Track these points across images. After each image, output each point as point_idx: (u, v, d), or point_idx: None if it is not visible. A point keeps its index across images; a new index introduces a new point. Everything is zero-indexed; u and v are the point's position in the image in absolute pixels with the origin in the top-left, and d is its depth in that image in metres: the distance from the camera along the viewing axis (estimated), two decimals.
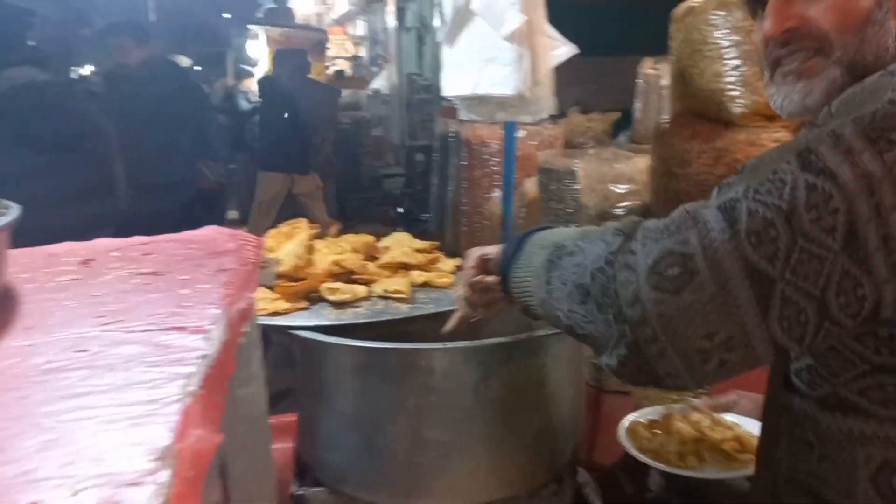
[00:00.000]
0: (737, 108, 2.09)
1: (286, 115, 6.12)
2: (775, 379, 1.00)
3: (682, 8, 2.25)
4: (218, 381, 0.53)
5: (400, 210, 6.87)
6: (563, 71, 2.74)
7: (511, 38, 2.22)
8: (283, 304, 1.49)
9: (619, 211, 2.73)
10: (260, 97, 7.18)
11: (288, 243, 1.68)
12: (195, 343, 0.59)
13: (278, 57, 6.96)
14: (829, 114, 0.85)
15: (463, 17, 2.38)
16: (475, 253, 1.23)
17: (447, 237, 5.34)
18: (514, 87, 2.24)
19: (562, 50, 2.32)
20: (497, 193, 4.24)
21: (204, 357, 0.55)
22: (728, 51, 2.09)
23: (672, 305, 0.79)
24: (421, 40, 11.81)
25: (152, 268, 0.88)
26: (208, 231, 1.08)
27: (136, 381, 0.51)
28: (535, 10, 2.28)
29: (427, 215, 6.29)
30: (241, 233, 1.07)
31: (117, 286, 0.81)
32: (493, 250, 1.19)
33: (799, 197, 0.77)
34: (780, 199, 0.77)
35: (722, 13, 2.10)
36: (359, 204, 9.55)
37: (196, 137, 3.79)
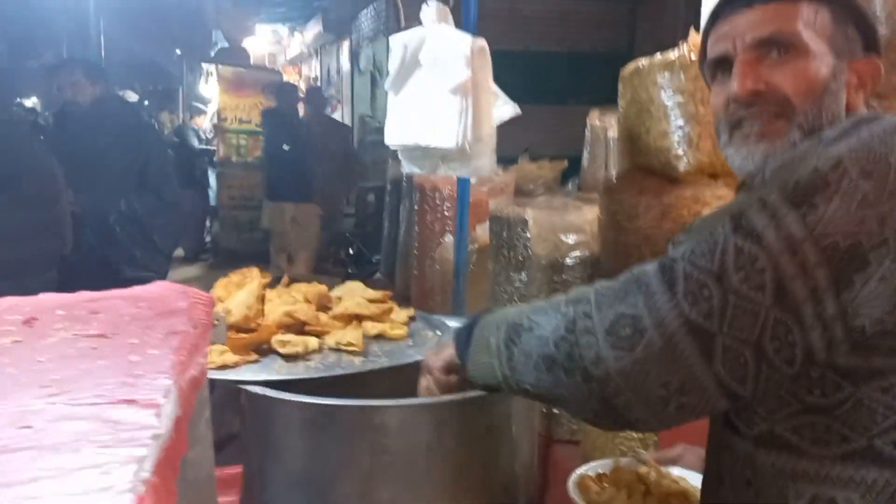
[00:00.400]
0: (682, 165, 2.16)
1: (291, 146, 6.31)
2: (717, 419, 1.07)
3: (629, 68, 2.33)
4: (171, 465, 0.52)
5: (350, 251, 6.83)
6: (514, 117, 2.80)
7: (455, 91, 2.27)
8: (231, 357, 1.46)
9: (569, 261, 2.77)
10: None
11: (238, 293, 1.65)
12: (147, 419, 0.58)
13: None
14: (763, 179, 0.92)
15: (409, 66, 2.41)
16: (433, 362, 1.30)
17: (398, 281, 5.33)
18: (454, 141, 2.28)
19: (505, 109, 2.38)
20: (449, 239, 4.27)
21: (156, 437, 0.53)
22: (673, 111, 2.16)
23: (629, 361, 0.89)
24: (374, 83, 11.91)
25: (99, 329, 0.86)
26: (158, 287, 1.06)
27: (87, 464, 0.49)
28: (481, 67, 2.33)
29: (378, 257, 6.27)
30: (192, 290, 1.05)
31: (63, 350, 0.79)
32: (446, 353, 1.25)
33: (728, 259, 0.87)
34: (712, 262, 0.87)
35: (667, 75, 2.18)
36: None
37: (146, 175, 3.70)
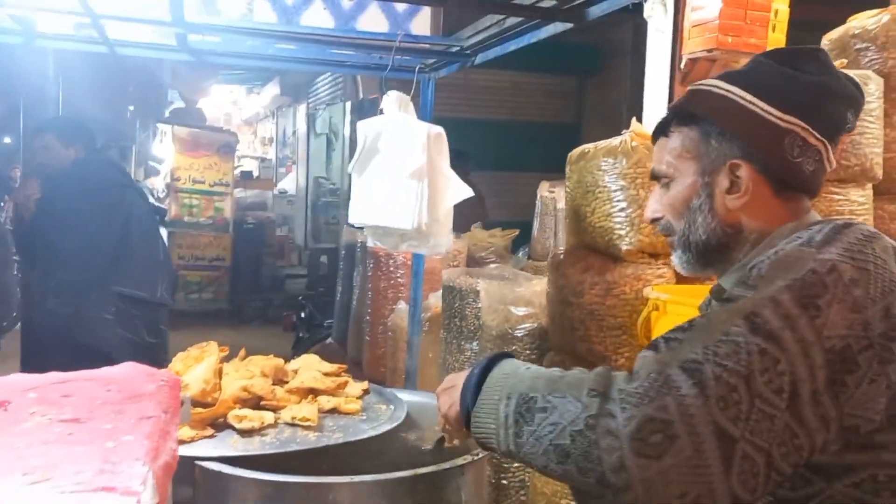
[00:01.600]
0: (624, 245, 2.28)
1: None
2: None
3: (576, 152, 2.47)
4: None
5: (303, 315, 6.80)
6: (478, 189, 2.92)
7: (412, 176, 2.39)
8: (188, 432, 1.49)
9: (519, 332, 2.85)
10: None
11: (196, 367, 1.68)
12: None
13: None
14: (760, 275, 0.97)
15: (371, 151, 2.54)
16: (448, 383, 1.26)
17: (350, 346, 5.34)
18: (410, 221, 2.40)
19: (459, 191, 2.51)
20: (402, 305, 4.33)
21: None
22: (616, 194, 2.30)
23: (654, 470, 0.85)
24: (330, 145, 12.05)
25: (73, 413, 0.90)
26: (126, 369, 1.10)
27: None
28: (438, 153, 2.47)
29: (330, 322, 6.27)
30: (160, 372, 1.10)
31: (40, 435, 0.82)
32: (460, 379, 1.20)
33: (754, 361, 0.86)
34: (738, 363, 0.86)
35: (611, 160, 2.32)
36: (259, 305, 9.42)
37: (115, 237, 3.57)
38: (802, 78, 1.10)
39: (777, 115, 1.08)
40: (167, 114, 10.92)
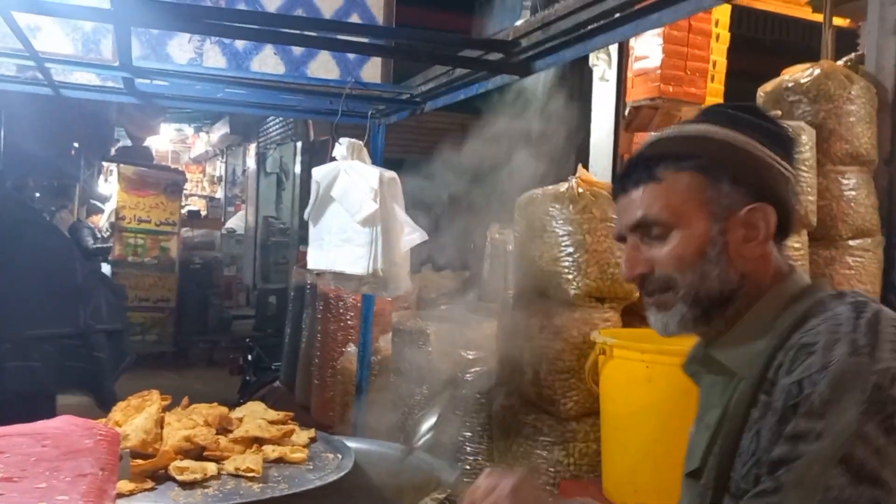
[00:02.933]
0: (572, 289, 2.32)
1: None
2: None
3: (525, 197, 2.51)
4: None
5: (249, 358, 6.68)
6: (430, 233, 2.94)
7: (365, 223, 2.41)
8: (127, 485, 1.44)
9: (468, 376, 2.85)
10: None
11: (136, 417, 1.64)
12: None
13: None
14: (824, 400, 0.87)
15: (325, 198, 2.55)
16: (494, 484, 1.14)
17: (298, 390, 5.25)
18: (365, 267, 2.41)
19: (413, 236, 2.53)
20: (352, 348, 4.29)
21: None
22: (563, 239, 2.34)
23: None
24: (280, 185, 11.99)
25: (5, 472, 0.87)
26: (62, 423, 1.07)
27: None
28: (392, 197, 2.49)
29: (278, 364, 6.16)
30: (98, 426, 1.07)
31: None
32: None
33: None
34: None
35: (558, 206, 2.36)
36: (205, 347, 9.22)
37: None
38: (774, 127, 1.08)
39: (779, 160, 1.05)
40: (113, 152, 10.73)
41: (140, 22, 2.06)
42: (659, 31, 4.11)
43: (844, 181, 2.43)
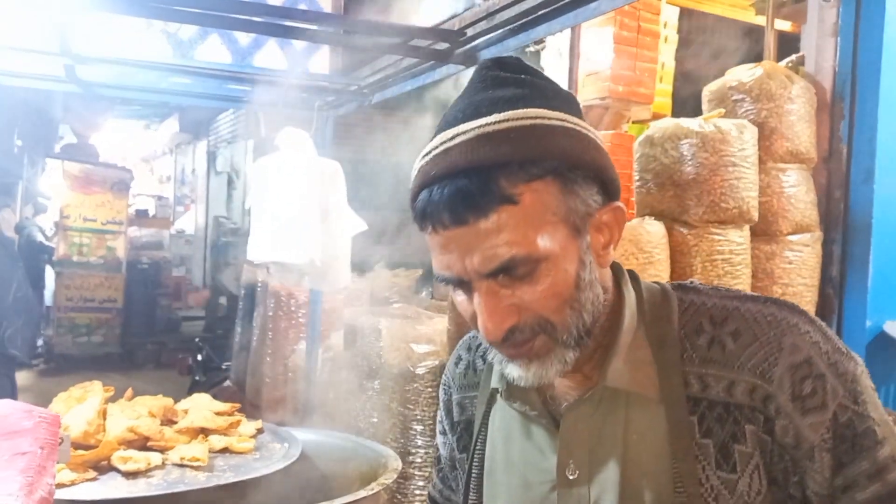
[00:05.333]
0: None
1: None
2: None
3: None
4: None
5: (199, 357, 6.57)
6: (372, 227, 2.93)
7: (306, 212, 2.40)
8: (68, 475, 1.41)
9: (420, 370, 2.86)
10: None
11: (78, 407, 1.60)
12: None
13: None
14: (856, 390, 0.81)
15: (266, 188, 2.53)
16: None
17: (248, 389, 5.19)
18: (306, 257, 2.40)
19: (354, 225, 2.52)
20: (303, 346, 4.26)
21: None
22: None
23: None
24: (231, 184, 11.83)
25: None
26: (2, 406, 1.05)
27: None
28: (334, 188, 2.48)
29: (228, 364, 6.08)
30: (37, 409, 1.05)
31: None
32: None
33: None
34: None
35: None
36: (153, 348, 9.04)
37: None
38: (565, 91, 0.87)
39: (597, 134, 0.85)
40: (58, 149, 10.46)
41: (82, 4, 2.01)
42: (609, 32, 4.18)
43: (785, 178, 2.50)
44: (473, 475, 0.97)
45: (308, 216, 2.37)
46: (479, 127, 0.78)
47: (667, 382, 0.84)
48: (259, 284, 5.21)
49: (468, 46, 2.08)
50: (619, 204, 0.85)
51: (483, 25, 1.94)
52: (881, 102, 2.19)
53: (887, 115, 2.20)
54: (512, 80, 0.83)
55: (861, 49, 2.29)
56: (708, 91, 2.69)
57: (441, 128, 0.82)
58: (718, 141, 2.28)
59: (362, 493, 1.44)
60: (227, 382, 5.88)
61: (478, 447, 0.97)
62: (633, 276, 0.91)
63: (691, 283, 0.91)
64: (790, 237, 2.51)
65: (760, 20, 3.86)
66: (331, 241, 2.43)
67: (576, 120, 0.82)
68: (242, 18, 2.01)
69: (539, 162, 0.77)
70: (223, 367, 6.22)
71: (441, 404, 1.06)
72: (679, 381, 0.83)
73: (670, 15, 4.37)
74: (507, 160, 0.76)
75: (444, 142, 0.79)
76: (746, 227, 2.38)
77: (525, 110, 0.79)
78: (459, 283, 0.81)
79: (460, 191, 0.76)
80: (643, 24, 4.18)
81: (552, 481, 0.88)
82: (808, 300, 2.38)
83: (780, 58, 3.08)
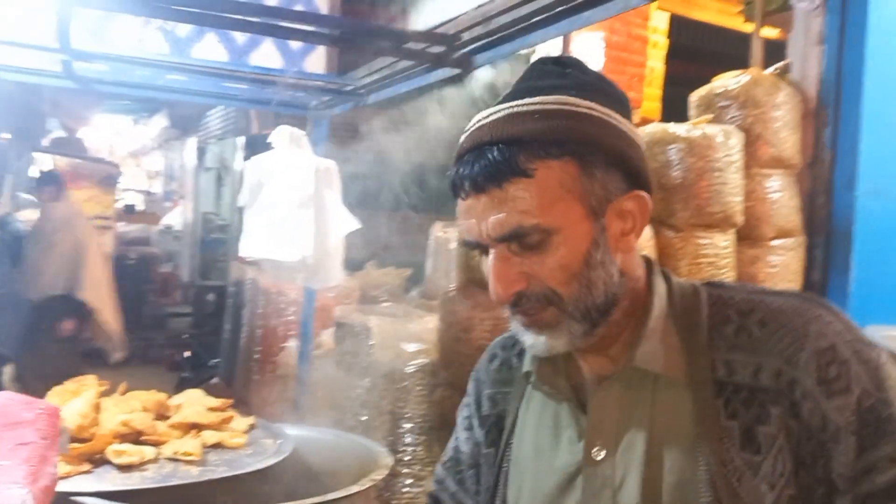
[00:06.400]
0: None
1: None
2: None
3: None
4: None
5: (187, 354, 6.57)
6: (364, 226, 2.96)
7: (299, 209, 2.43)
8: (63, 467, 1.43)
9: (410, 368, 2.89)
10: None
11: (73, 401, 1.62)
12: None
13: None
14: (885, 376, 0.83)
15: (260, 184, 2.55)
16: None
17: (237, 386, 5.20)
18: (298, 255, 2.43)
19: (347, 224, 2.55)
20: (293, 343, 4.27)
21: None
22: None
23: None
24: (220, 181, 11.79)
25: None
26: (2, 398, 1.08)
27: None
28: (328, 186, 2.51)
29: (216, 360, 6.08)
30: (37, 401, 1.08)
31: None
32: None
33: None
34: None
35: None
36: (140, 344, 9.01)
37: None
38: (614, 89, 0.92)
39: (635, 131, 0.91)
40: (45, 143, 10.40)
41: (82, 1, 2.03)
42: (601, 37, 4.22)
43: (769, 184, 2.55)
44: (503, 468, 1.00)
45: (302, 214, 2.40)
46: (511, 107, 0.86)
47: (694, 366, 0.87)
48: (248, 281, 5.22)
49: (463, 51, 2.11)
50: (643, 193, 0.89)
51: (478, 31, 1.97)
52: (864, 110, 2.24)
53: (870, 122, 2.25)
54: (555, 73, 0.90)
55: (845, 57, 2.34)
56: (695, 97, 2.73)
57: (485, 110, 0.90)
58: (705, 146, 2.32)
59: (354, 489, 1.47)
60: (215, 379, 5.88)
61: (510, 440, 1.00)
62: (665, 273, 0.95)
63: (719, 281, 0.95)
64: (774, 242, 2.56)
65: (750, 27, 3.91)
66: (324, 238, 2.45)
67: (608, 111, 0.87)
68: (239, 18, 2.04)
69: (558, 143, 0.84)
70: (211, 364, 6.23)
71: (470, 400, 1.09)
72: (706, 366, 0.86)
73: (660, 21, 4.42)
74: (528, 138, 0.84)
75: (480, 120, 0.88)
76: (731, 231, 2.43)
77: (557, 97, 0.86)
78: (478, 246, 0.89)
79: (482, 162, 0.84)
80: (633, 29, 4.23)
81: (578, 463, 0.91)
82: None
83: (768, 64, 3.13)
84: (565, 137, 0.84)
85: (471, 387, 1.09)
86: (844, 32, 2.36)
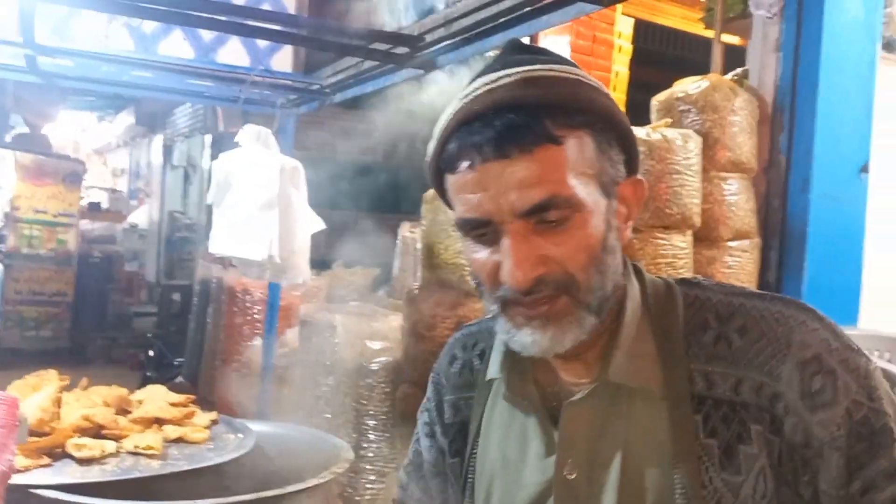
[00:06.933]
0: (473, 280, 2.41)
1: None
2: None
3: (431, 192, 2.59)
4: None
5: (151, 353, 6.51)
6: (331, 226, 2.98)
7: (265, 208, 2.44)
8: (22, 461, 1.43)
9: (374, 366, 2.91)
10: None
11: (33, 395, 1.62)
12: None
13: None
14: (872, 385, 0.77)
15: (228, 184, 2.56)
16: None
17: (202, 385, 5.16)
18: (262, 252, 2.44)
19: (313, 224, 2.57)
20: (258, 342, 4.26)
21: None
22: None
23: None
24: (187, 179, 11.67)
25: None
26: None
27: None
28: (293, 185, 2.52)
29: (181, 360, 6.03)
30: None
31: None
32: None
33: None
34: None
35: None
36: (103, 343, 8.89)
37: None
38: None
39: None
40: (9, 139, 10.21)
41: None
42: (566, 40, 4.28)
43: (726, 186, 2.61)
44: (469, 480, 0.94)
45: (268, 213, 2.41)
46: (526, 71, 0.77)
47: (671, 379, 0.80)
48: (214, 280, 5.19)
49: (426, 52, 2.14)
50: (641, 178, 0.84)
51: (441, 32, 2.01)
52: (818, 116, 2.32)
53: (824, 128, 2.33)
54: (534, 50, 0.84)
55: (800, 65, 2.41)
56: (656, 101, 2.79)
57: (477, 78, 0.81)
58: (664, 150, 2.37)
59: (313, 482, 1.49)
60: (179, 378, 5.84)
61: (475, 450, 0.93)
62: (637, 268, 0.88)
63: (695, 279, 0.88)
64: (730, 243, 2.63)
65: (711, 33, 4.00)
66: (291, 237, 2.47)
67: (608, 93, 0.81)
68: (205, 16, 2.04)
69: (581, 112, 0.77)
70: (175, 363, 6.18)
71: (431, 405, 1.02)
72: (684, 378, 0.80)
73: (625, 26, 4.50)
74: (553, 102, 0.75)
75: (488, 83, 0.78)
76: (689, 233, 2.49)
77: (567, 66, 0.79)
78: (486, 226, 0.77)
79: (506, 124, 0.74)
80: (598, 33, 4.29)
81: (549, 480, 0.84)
82: None
83: (729, 70, 3.21)
84: (587, 108, 0.77)
85: (430, 390, 1.03)
86: (800, 40, 2.44)
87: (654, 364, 0.81)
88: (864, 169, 2.38)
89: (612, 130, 0.80)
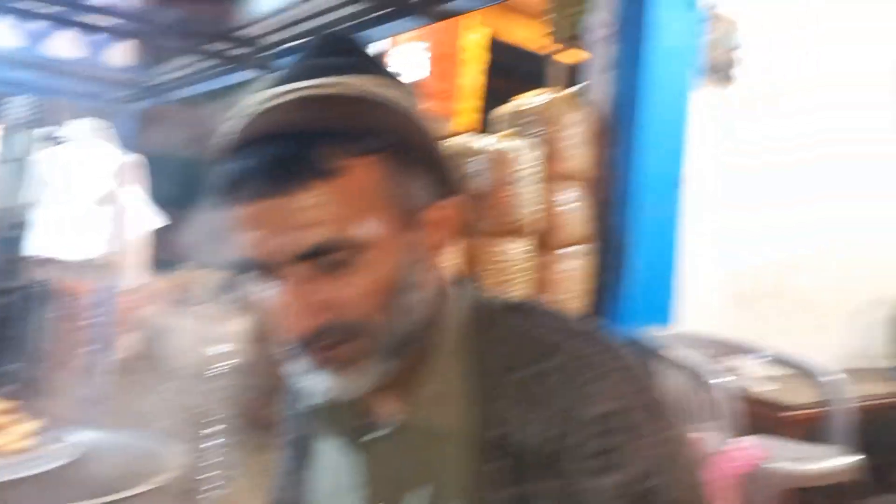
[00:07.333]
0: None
1: None
2: None
3: None
4: None
5: None
6: (182, 225, 2.87)
7: (98, 205, 2.34)
8: None
9: (217, 371, 2.84)
10: None
11: None
12: None
13: None
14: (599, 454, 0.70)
15: (56, 180, 2.43)
16: None
17: (33, 393, 4.82)
18: (93, 252, 2.33)
19: (151, 221, 2.49)
20: (94, 347, 4.04)
21: None
22: None
23: None
24: (16, 175, 10.81)
25: None
26: None
27: None
28: (131, 182, 2.43)
29: (8, 368, 5.59)
30: None
31: None
32: None
33: None
34: None
35: None
36: None
37: None
38: (394, 73, 0.77)
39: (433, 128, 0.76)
40: None
41: None
42: (424, 46, 4.38)
43: (562, 195, 2.78)
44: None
45: (99, 210, 2.30)
46: (304, 89, 0.69)
47: (476, 421, 0.74)
48: (44, 282, 4.87)
49: (265, 54, 2.14)
50: (455, 200, 0.77)
51: (284, 34, 2.01)
52: (637, 133, 2.53)
53: (642, 144, 2.55)
54: (345, 51, 0.75)
55: (625, 84, 2.63)
56: (500, 113, 2.92)
57: (258, 91, 0.72)
58: (504, 159, 2.49)
59: (142, 488, 1.45)
60: (9, 387, 5.42)
61: (309, 474, 0.90)
62: (463, 293, 0.80)
63: (525, 304, 0.81)
64: (566, 249, 2.79)
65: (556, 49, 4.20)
66: (121, 236, 2.37)
67: (412, 102, 0.74)
68: (28, 7, 1.92)
69: (367, 136, 0.69)
70: (4, 371, 5.72)
71: (289, 416, 0.99)
72: (492, 421, 0.74)
73: (480, 37, 4.66)
74: (332, 129, 0.68)
75: (268, 100, 0.69)
76: (526, 240, 2.62)
77: (355, 80, 0.70)
78: (263, 268, 0.70)
79: (280, 156, 0.67)
80: (455, 42, 4.42)
81: None
82: (579, 307, 2.66)
83: (573, 85, 3.39)
84: (374, 130, 0.69)
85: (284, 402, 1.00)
86: (626, 61, 2.65)
87: (459, 404, 0.75)
88: (677, 182, 2.62)
89: (411, 153, 0.72)
